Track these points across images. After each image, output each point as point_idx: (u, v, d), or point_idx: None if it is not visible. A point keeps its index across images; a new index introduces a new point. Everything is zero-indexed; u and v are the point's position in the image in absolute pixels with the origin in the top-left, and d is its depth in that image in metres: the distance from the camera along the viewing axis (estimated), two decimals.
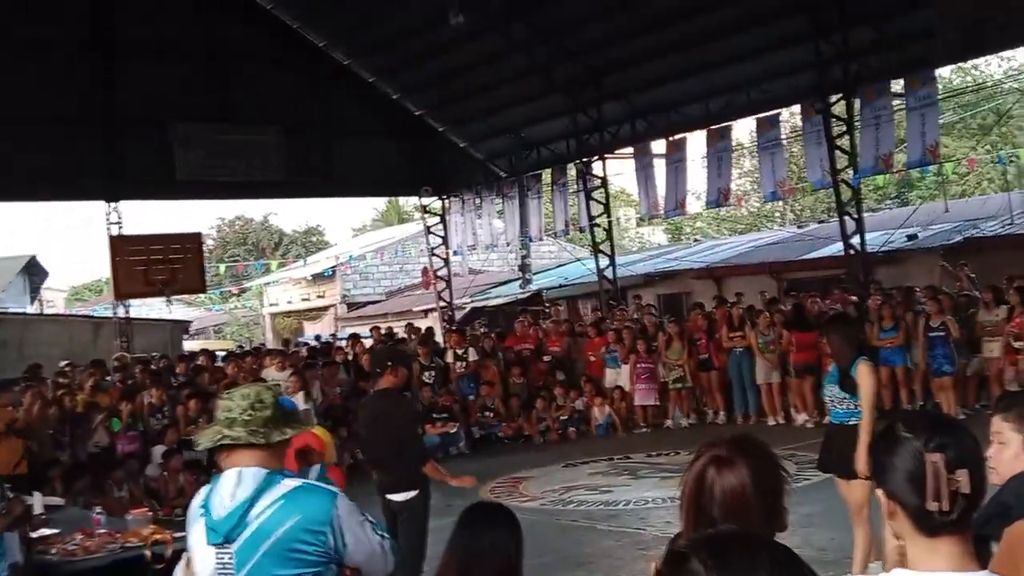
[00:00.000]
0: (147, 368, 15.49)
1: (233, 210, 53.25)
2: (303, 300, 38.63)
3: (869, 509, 6.11)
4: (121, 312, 21.54)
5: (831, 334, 6.83)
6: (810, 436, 12.94)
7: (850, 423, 6.32)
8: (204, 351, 17.71)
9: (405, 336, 17.70)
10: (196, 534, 2.99)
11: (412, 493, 6.44)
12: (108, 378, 15.07)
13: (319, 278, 36.19)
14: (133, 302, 22.49)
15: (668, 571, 1.28)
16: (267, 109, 20.65)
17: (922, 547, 1.81)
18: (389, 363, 6.87)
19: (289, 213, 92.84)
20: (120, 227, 20.68)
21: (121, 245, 20.54)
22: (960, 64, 30.41)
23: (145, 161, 19.63)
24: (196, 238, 22.79)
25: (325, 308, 37.30)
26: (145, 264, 20.57)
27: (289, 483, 3.02)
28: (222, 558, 2.91)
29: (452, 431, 14.81)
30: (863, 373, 6.25)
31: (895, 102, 16.10)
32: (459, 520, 3.11)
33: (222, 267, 36.83)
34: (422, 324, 24.05)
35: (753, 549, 1.28)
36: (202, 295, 36.76)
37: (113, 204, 20.59)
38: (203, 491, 3.04)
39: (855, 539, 6.49)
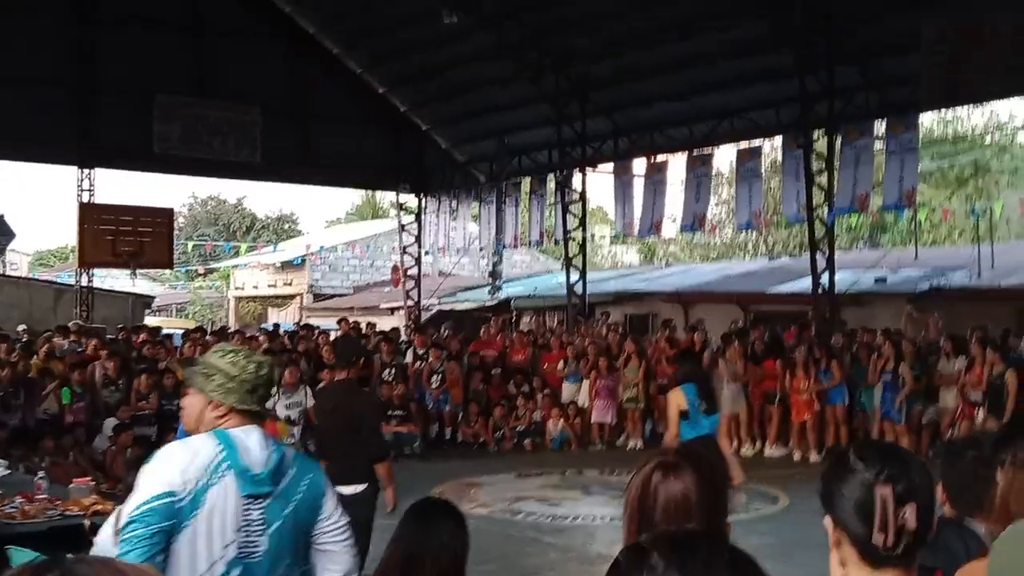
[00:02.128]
0: (102, 339, 15.29)
1: (207, 189, 52.95)
2: (270, 286, 38.39)
3: None
4: (84, 281, 21.29)
5: (675, 364, 8.37)
6: (775, 466, 13.06)
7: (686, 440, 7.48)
8: (157, 330, 17.47)
9: (367, 333, 17.58)
10: (218, 489, 2.88)
11: (362, 487, 6.38)
12: (66, 345, 14.89)
13: (288, 266, 35.97)
14: (97, 272, 22.26)
15: (626, 565, 1.27)
16: (250, 90, 20.54)
17: None
18: (354, 358, 6.84)
19: (264, 197, 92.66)
20: (92, 195, 20.51)
21: (90, 213, 20.37)
22: (942, 113, 30.80)
23: (122, 131, 19.47)
24: (167, 213, 22.64)
25: (291, 296, 37.08)
26: (113, 234, 20.42)
27: (289, 450, 3.12)
28: (250, 513, 2.91)
29: (405, 432, 14.72)
30: (670, 397, 7.92)
31: (876, 144, 16.25)
32: (406, 515, 3.08)
33: (190, 245, 36.52)
34: (388, 322, 23.99)
35: (713, 549, 1.27)
36: (168, 271, 36.49)
37: (86, 171, 20.42)
38: (207, 445, 2.94)
39: None
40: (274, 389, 9.08)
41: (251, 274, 39.60)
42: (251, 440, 2.99)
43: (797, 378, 13.76)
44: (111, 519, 3.12)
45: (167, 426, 11.25)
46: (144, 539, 2.75)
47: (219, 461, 2.91)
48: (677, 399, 7.70)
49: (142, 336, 16.13)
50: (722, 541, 1.30)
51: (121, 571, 1.17)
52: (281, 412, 11.22)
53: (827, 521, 1.85)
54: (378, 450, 6.53)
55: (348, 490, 6.43)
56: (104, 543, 3.07)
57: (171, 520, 2.80)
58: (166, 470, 2.86)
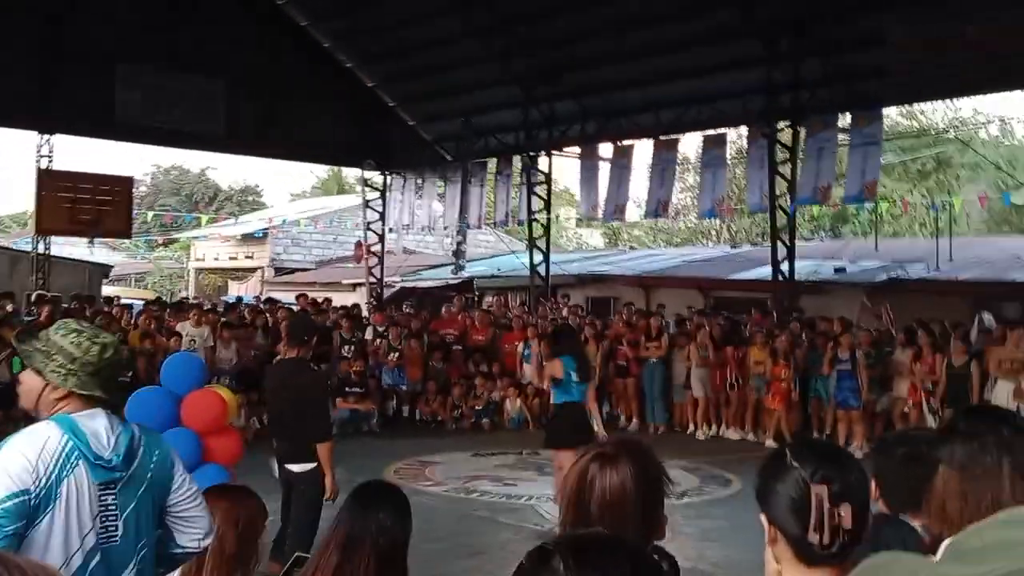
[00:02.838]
0: (57, 307, 15.06)
1: (170, 158, 52.23)
2: (231, 259, 38.01)
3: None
4: (41, 248, 20.99)
5: (554, 339, 9.40)
6: (731, 450, 13.18)
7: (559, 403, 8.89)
8: (115, 299, 17.26)
9: (326, 308, 17.46)
10: (73, 481, 2.77)
11: (310, 465, 6.34)
12: (17, 314, 14.65)
13: (249, 238, 35.62)
14: (55, 240, 21.94)
15: (529, 565, 1.27)
16: (215, 60, 20.22)
17: (799, 575, 1.81)
18: (306, 336, 6.79)
19: (228, 169, 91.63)
20: (50, 161, 20.20)
21: (49, 180, 20.10)
22: (907, 108, 31.10)
23: (85, 97, 19.12)
24: (127, 182, 22.39)
25: (253, 270, 36.76)
26: (71, 202, 20.17)
27: (134, 425, 3.01)
28: (105, 499, 2.83)
29: (363, 409, 14.68)
30: (548, 366, 9.02)
31: (840, 136, 16.38)
32: (348, 498, 3.07)
33: (151, 215, 36.06)
34: (350, 298, 23.88)
35: (616, 555, 1.26)
36: (127, 241, 35.99)
37: (46, 136, 20.10)
38: (53, 435, 2.78)
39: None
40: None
41: (212, 246, 39.19)
42: (97, 424, 2.88)
43: (779, 366, 13.80)
44: None
45: None
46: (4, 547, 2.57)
47: (68, 451, 2.78)
48: (555, 368, 8.75)
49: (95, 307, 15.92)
50: (629, 546, 1.29)
51: (18, 566, 1.13)
52: None
53: (763, 519, 1.85)
54: (320, 431, 6.44)
55: (297, 468, 6.41)
56: None
57: (24, 520, 2.68)
58: (15, 468, 2.70)
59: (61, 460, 2.76)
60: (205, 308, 16.96)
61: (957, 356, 12.40)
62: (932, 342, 12.81)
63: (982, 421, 2.00)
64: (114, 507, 2.85)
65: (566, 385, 8.74)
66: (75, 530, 2.77)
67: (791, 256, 16.75)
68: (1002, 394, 11.70)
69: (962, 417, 2.06)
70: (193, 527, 3.13)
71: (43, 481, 2.71)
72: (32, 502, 2.68)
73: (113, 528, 2.86)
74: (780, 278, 16.83)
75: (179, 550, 3.14)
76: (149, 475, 2.96)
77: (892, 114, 30.22)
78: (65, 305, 15.54)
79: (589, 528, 1.87)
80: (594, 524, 2.02)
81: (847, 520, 1.75)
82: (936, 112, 35.44)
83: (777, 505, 1.81)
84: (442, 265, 29.82)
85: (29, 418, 3.00)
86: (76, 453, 2.79)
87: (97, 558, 2.82)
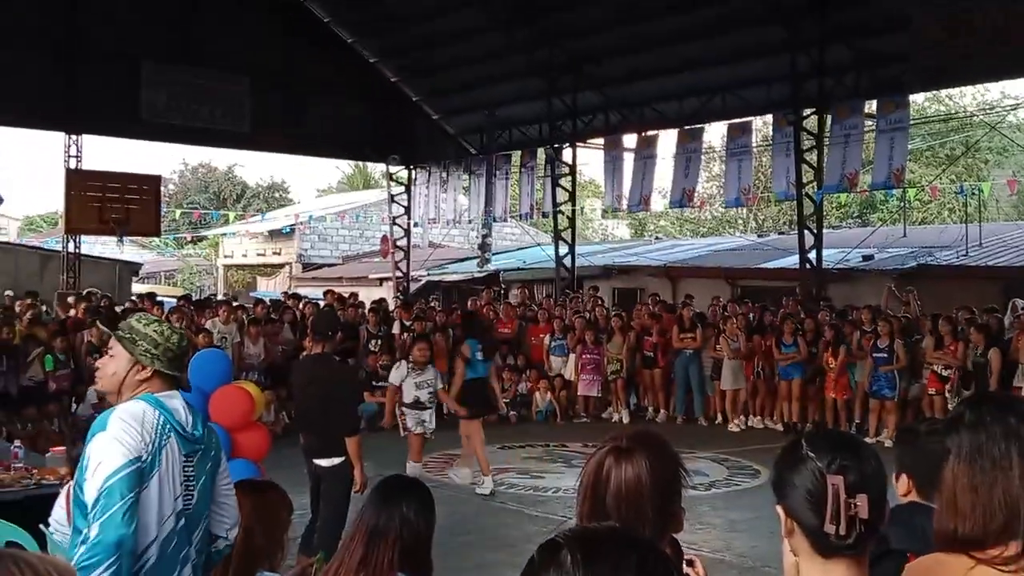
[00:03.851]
0: (89, 306, 15.23)
1: (198, 156, 52.60)
2: (258, 255, 38.25)
3: (478, 438, 9.92)
4: (72, 247, 21.22)
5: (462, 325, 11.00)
6: (760, 440, 13.11)
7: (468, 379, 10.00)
8: (150, 295, 17.39)
9: (352, 304, 17.51)
10: (168, 450, 3.09)
11: (338, 460, 6.39)
12: (48, 312, 14.82)
13: (277, 235, 35.81)
14: (85, 239, 22.18)
15: (539, 556, 1.28)
16: (240, 58, 20.34)
17: (817, 567, 1.81)
18: (330, 331, 6.84)
19: (255, 166, 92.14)
20: (79, 161, 20.43)
21: (77, 179, 20.30)
22: (935, 93, 30.76)
23: (110, 96, 19.28)
24: (155, 180, 22.55)
25: (280, 266, 36.97)
26: (100, 201, 20.35)
27: (194, 409, 3.34)
28: (187, 469, 3.16)
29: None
30: (460, 349, 10.37)
31: (867, 123, 16.24)
32: (372, 492, 3.09)
33: (179, 212, 36.33)
34: (377, 293, 23.97)
35: (625, 550, 1.26)
36: (156, 239, 36.32)
37: (74, 137, 20.32)
38: (147, 410, 3.09)
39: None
40: (409, 366, 9.49)
41: (240, 242, 39.45)
42: (176, 403, 3.21)
43: (827, 354, 13.71)
44: (62, 496, 3.14)
45: None
46: (127, 511, 2.89)
47: (163, 423, 3.11)
48: (465, 350, 10.11)
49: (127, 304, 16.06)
50: (639, 542, 1.29)
51: (30, 564, 1.16)
52: (410, 393, 9.52)
53: (779, 510, 1.85)
54: (348, 425, 6.51)
55: (325, 463, 6.46)
56: (58, 519, 3.11)
57: (140, 486, 2.98)
58: (127, 438, 2.99)
59: (159, 430, 3.09)
60: (234, 304, 17.06)
61: (976, 344, 12.30)
62: (953, 330, 12.68)
63: (987, 410, 1.99)
64: (193, 477, 3.19)
65: (473, 364, 10.04)
66: (169, 495, 3.09)
67: (819, 244, 16.63)
68: None
69: (967, 406, 2.04)
70: (225, 516, 3.37)
71: (150, 447, 3.04)
72: (143, 468, 3.01)
73: (190, 496, 3.18)
74: (808, 266, 16.71)
75: (213, 543, 3.36)
76: (213, 452, 3.31)
77: (918, 99, 29.95)
78: (95, 304, 15.69)
79: (604, 522, 1.88)
80: (609, 517, 2.03)
81: (863, 511, 1.74)
82: (964, 96, 35.06)
83: (793, 496, 1.81)
84: (468, 259, 29.84)
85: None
86: (168, 425, 3.12)
87: (182, 522, 3.14)
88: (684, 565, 2.27)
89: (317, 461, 6.49)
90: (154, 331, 3.25)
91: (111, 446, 2.96)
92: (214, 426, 3.53)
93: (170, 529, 3.09)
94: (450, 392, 9.99)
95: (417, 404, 9.55)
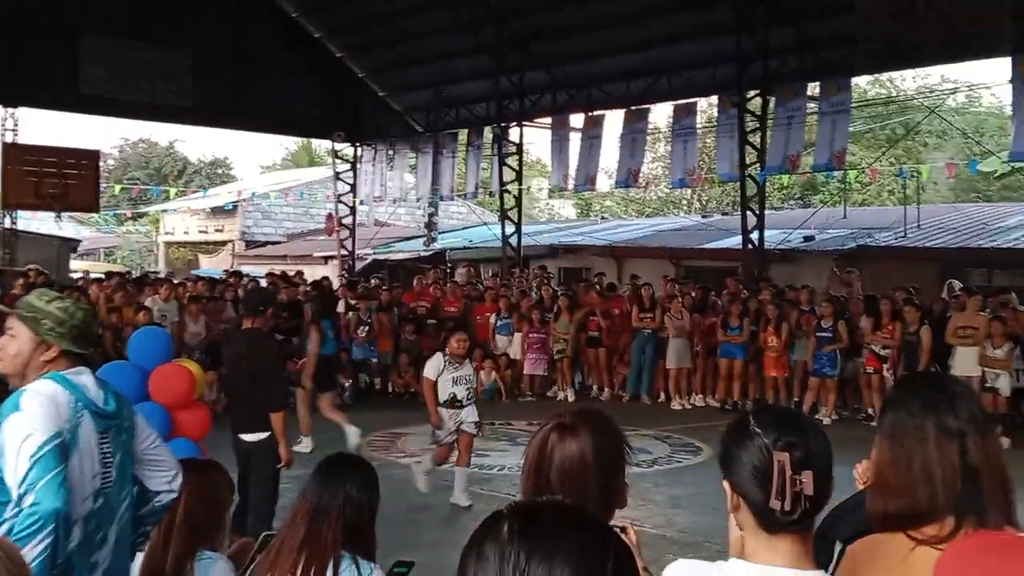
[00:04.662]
0: (27, 282, 14.88)
1: (138, 131, 51.58)
2: (200, 232, 37.72)
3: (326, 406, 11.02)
4: (7, 223, 20.77)
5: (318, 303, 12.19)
6: (700, 418, 13.26)
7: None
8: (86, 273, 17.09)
9: (296, 281, 17.33)
10: (85, 429, 2.98)
11: (264, 435, 6.33)
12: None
13: (219, 211, 35.34)
14: (21, 214, 21.71)
15: (480, 531, 1.26)
16: (182, 32, 19.98)
17: (762, 542, 1.82)
18: (261, 307, 6.76)
19: (197, 142, 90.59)
20: (16, 134, 20.00)
21: (14, 153, 19.95)
22: (876, 76, 31.20)
23: (49, 70, 18.87)
24: (94, 155, 22.18)
25: (223, 243, 36.50)
26: (37, 176, 20.00)
27: (105, 383, 3.21)
28: (103, 447, 3.05)
29: (346, 383, 14.65)
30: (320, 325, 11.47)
31: (809, 105, 16.42)
32: (315, 470, 3.06)
33: (118, 188, 35.65)
34: (321, 271, 23.74)
35: (564, 526, 1.25)
36: (96, 215, 35.62)
37: (10, 110, 19.88)
38: (57, 389, 2.97)
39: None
40: (446, 359, 8.42)
41: (181, 219, 38.85)
42: (85, 380, 3.09)
43: (767, 333, 13.85)
44: None
45: None
46: (62, 481, 2.78)
47: (74, 402, 2.99)
48: (319, 331, 11.20)
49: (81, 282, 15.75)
50: (580, 519, 1.28)
51: None
52: (446, 388, 8.61)
53: (726, 486, 1.86)
54: (274, 400, 6.44)
55: (250, 437, 6.40)
56: None
57: (64, 462, 2.86)
58: (42, 415, 2.88)
59: (73, 409, 2.97)
60: (174, 282, 16.81)
61: (911, 324, 12.55)
62: (891, 310, 12.92)
63: (908, 387, 2.03)
64: (109, 454, 3.08)
65: (326, 342, 11.46)
66: (88, 473, 2.98)
67: (761, 225, 16.82)
68: (964, 361, 11.83)
69: (896, 387, 2.08)
70: (161, 470, 3.30)
71: (67, 424, 2.93)
72: (66, 444, 2.89)
73: (108, 473, 3.08)
74: (750, 247, 16.90)
75: (155, 499, 3.28)
76: (126, 424, 3.18)
77: (860, 82, 30.38)
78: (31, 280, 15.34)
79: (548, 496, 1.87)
80: (554, 493, 2.03)
81: (808, 487, 1.74)
82: (904, 80, 35.62)
83: (740, 472, 1.81)
84: (414, 237, 29.73)
85: None
86: (80, 403, 3.00)
87: (101, 501, 3.04)
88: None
89: (244, 436, 6.41)
90: (57, 308, 3.11)
91: (30, 422, 2.84)
92: (125, 397, 3.35)
93: (90, 509, 2.99)
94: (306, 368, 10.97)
95: (454, 402, 8.62)
